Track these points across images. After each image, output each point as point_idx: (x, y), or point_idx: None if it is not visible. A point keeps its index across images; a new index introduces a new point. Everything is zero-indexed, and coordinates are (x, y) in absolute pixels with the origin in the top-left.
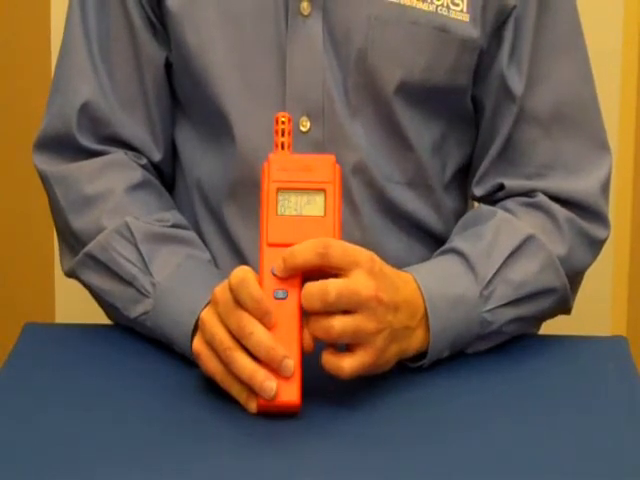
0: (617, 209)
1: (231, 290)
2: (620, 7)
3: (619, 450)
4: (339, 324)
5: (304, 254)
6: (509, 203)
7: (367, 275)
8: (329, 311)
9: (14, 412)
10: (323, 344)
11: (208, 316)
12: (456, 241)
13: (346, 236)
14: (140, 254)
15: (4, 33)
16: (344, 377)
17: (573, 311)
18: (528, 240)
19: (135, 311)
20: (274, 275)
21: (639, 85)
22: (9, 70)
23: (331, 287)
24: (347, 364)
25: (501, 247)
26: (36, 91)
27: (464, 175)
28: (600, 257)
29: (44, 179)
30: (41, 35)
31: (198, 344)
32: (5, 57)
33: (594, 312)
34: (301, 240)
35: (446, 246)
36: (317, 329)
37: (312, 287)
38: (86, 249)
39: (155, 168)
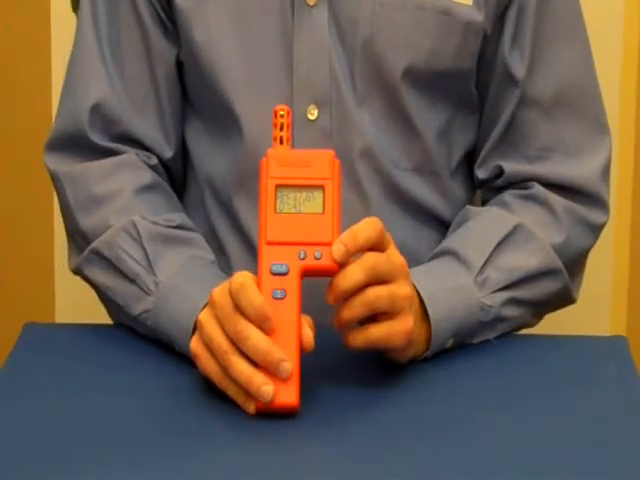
0: (617, 208)
1: (231, 295)
2: (620, 7)
3: (619, 450)
4: (374, 291)
5: (366, 233)
6: (506, 196)
7: (395, 249)
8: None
9: (14, 412)
10: (322, 343)
11: (206, 318)
12: (445, 242)
13: (354, 222)
14: (145, 253)
15: (4, 33)
16: (371, 342)
17: (573, 310)
18: (516, 229)
19: (137, 309)
20: (273, 275)
21: (639, 84)
22: (9, 70)
23: (369, 256)
24: (376, 328)
25: (489, 237)
26: (36, 92)
27: (470, 163)
28: (600, 256)
29: (55, 179)
30: (41, 35)
31: (196, 345)
32: (5, 57)
33: (594, 311)
34: (300, 239)
35: (436, 249)
36: (354, 306)
37: (347, 268)
38: (92, 245)
39: (166, 167)
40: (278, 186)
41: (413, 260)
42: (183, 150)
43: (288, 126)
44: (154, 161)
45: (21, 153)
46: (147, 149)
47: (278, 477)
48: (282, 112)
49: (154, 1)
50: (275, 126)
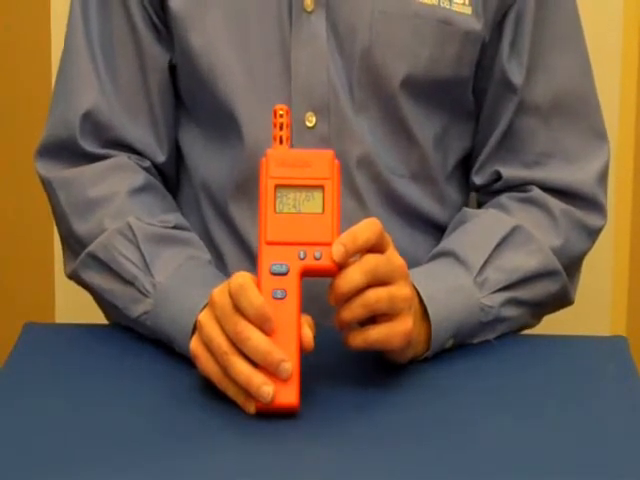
0: (617, 208)
1: (231, 296)
2: (620, 7)
3: (619, 450)
4: (374, 293)
5: (365, 234)
6: (504, 199)
7: (395, 250)
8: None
9: (14, 412)
10: (322, 343)
11: (205, 319)
12: (443, 243)
13: None
14: (141, 254)
15: (4, 33)
16: (370, 343)
17: (573, 310)
18: (515, 230)
19: (136, 311)
20: (273, 275)
21: (639, 84)
22: (9, 71)
23: (369, 258)
24: (375, 329)
25: (488, 238)
26: (36, 92)
27: (465, 167)
28: (600, 256)
29: (47, 185)
30: (41, 36)
31: (196, 345)
32: (5, 57)
33: (594, 311)
34: (300, 239)
35: (434, 250)
36: (355, 307)
37: (348, 270)
38: (88, 249)
39: (158, 170)
40: (278, 186)
41: (410, 266)
42: (176, 155)
43: (287, 125)
44: (147, 163)
45: (21, 153)
46: (139, 154)
47: (278, 477)
48: (281, 112)
49: (147, 5)
50: (275, 126)
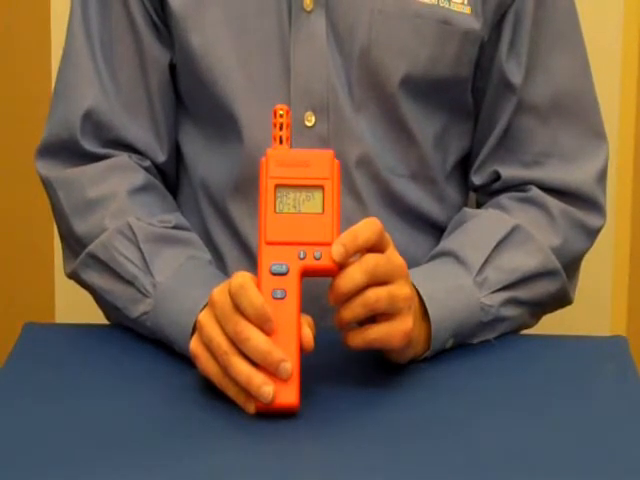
0: (617, 208)
1: (231, 296)
2: (620, 7)
3: (619, 450)
4: (374, 292)
5: (365, 234)
6: (503, 199)
7: (395, 249)
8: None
9: (14, 412)
10: (322, 343)
11: (205, 319)
12: (443, 243)
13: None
14: (141, 254)
15: (4, 33)
16: (370, 342)
17: (573, 311)
18: (515, 230)
19: (136, 311)
20: (273, 275)
21: (639, 84)
22: (9, 70)
23: (369, 257)
24: (375, 329)
25: (488, 238)
26: (36, 92)
27: (464, 166)
28: (600, 256)
29: (47, 185)
30: (41, 36)
31: (196, 345)
32: (5, 57)
33: (594, 311)
34: (300, 238)
35: (434, 250)
36: (355, 307)
37: (348, 269)
38: (88, 249)
39: (159, 170)
40: (278, 186)
41: (410, 266)
42: (177, 154)
43: (287, 125)
44: (147, 163)
45: (21, 153)
46: (140, 154)
47: (278, 477)
48: (281, 112)
49: (147, 5)
50: (274, 126)
